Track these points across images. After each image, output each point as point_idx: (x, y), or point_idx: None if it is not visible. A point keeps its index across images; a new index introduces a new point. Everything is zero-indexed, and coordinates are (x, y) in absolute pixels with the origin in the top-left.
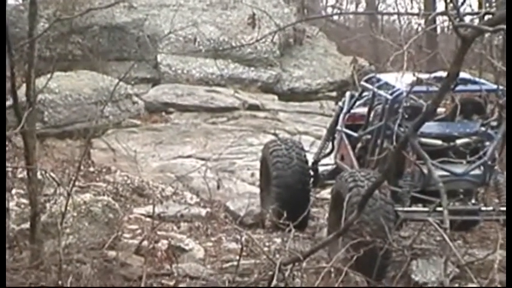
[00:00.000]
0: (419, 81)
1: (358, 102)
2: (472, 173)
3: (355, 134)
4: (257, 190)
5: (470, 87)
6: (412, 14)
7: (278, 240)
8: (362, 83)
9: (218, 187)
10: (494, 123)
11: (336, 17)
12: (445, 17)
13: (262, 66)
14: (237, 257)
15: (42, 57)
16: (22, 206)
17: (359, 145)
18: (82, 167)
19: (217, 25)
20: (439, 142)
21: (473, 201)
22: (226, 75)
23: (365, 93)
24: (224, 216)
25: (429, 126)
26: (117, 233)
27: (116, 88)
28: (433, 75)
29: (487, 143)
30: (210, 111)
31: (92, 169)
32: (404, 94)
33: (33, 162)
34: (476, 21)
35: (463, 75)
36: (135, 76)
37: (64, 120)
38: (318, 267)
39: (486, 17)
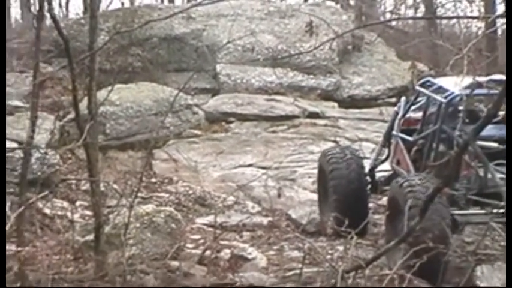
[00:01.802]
0: (475, 85)
1: (413, 107)
2: None
3: (410, 138)
4: None
5: None
6: (472, 18)
7: (340, 248)
8: (417, 87)
9: (279, 196)
10: None
11: (394, 23)
12: None
13: (321, 73)
14: (300, 265)
15: (102, 70)
16: (86, 217)
17: (414, 149)
18: (144, 178)
19: (275, 34)
20: (495, 145)
21: None
22: (285, 84)
23: (420, 98)
24: (286, 224)
25: (486, 129)
26: (179, 243)
27: (176, 99)
28: (489, 78)
29: None
30: (270, 120)
31: (153, 180)
32: (459, 97)
33: (96, 174)
34: None
35: None
36: (194, 86)
37: (125, 132)
38: (381, 274)
39: None
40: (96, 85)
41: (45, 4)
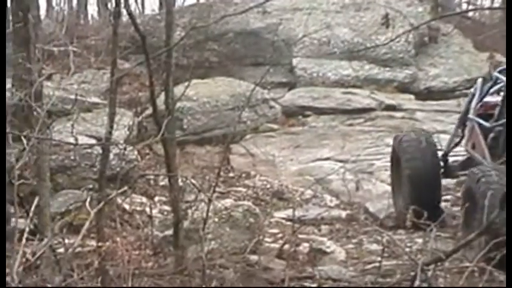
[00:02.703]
0: None
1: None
2: None
3: (487, 124)
4: None
5: None
6: None
7: (419, 241)
8: (495, 73)
9: (357, 189)
10: None
11: (471, 14)
12: None
13: (397, 66)
14: (379, 259)
15: (179, 65)
16: (165, 213)
17: (491, 135)
18: (222, 173)
19: (350, 27)
20: None
21: None
22: (361, 77)
23: (497, 84)
24: (364, 217)
25: None
26: (258, 237)
27: (253, 93)
28: None
29: None
30: (347, 113)
31: (231, 174)
32: None
33: (174, 170)
34: None
35: None
36: (271, 81)
37: (203, 127)
38: (461, 266)
39: None
40: (173, 81)
41: (122, 1)
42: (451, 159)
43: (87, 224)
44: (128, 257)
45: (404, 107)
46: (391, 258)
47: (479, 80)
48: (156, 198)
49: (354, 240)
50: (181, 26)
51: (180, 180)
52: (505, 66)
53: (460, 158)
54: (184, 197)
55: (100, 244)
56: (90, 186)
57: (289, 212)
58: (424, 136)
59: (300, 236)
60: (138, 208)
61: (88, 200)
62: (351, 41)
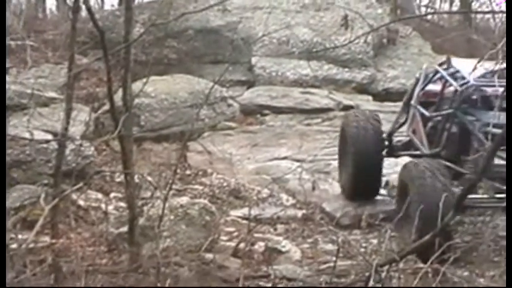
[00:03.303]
0: (488, 73)
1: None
2: None
3: (426, 113)
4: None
5: None
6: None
7: (375, 241)
8: (436, 67)
9: (314, 189)
10: None
11: (429, 16)
12: None
13: (356, 66)
14: (334, 259)
15: (138, 61)
16: (120, 209)
17: (430, 124)
18: (178, 170)
19: (310, 27)
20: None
21: None
22: (320, 77)
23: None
24: (320, 217)
25: (495, 116)
26: (214, 235)
27: (211, 91)
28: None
29: None
30: (305, 113)
31: (188, 172)
32: (473, 87)
33: (131, 166)
34: None
35: None
36: (230, 79)
37: (160, 124)
38: (415, 267)
39: None
40: (131, 77)
41: None
42: (396, 139)
43: (41, 219)
44: (82, 254)
45: (362, 108)
46: (346, 259)
47: (424, 67)
48: (112, 195)
49: (309, 240)
50: (140, 22)
51: (136, 177)
52: (444, 60)
53: (403, 139)
54: (140, 193)
55: (54, 240)
56: (46, 181)
57: (246, 210)
58: (370, 115)
59: (256, 234)
60: (94, 204)
61: (43, 195)
62: (311, 41)
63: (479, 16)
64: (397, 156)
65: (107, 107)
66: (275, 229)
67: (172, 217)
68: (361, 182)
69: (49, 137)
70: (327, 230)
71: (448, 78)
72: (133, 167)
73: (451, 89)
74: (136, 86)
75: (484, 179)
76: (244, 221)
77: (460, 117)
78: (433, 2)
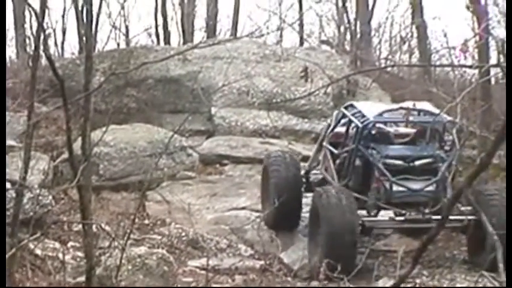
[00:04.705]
0: (388, 111)
1: (342, 122)
2: (427, 189)
3: (335, 151)
4: None
5: (425, 118)
6: (465, 66)
7: None
8: (342, 109)
9: (272, 240)
10: (448, 148)
11: (389, 68)
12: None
13: (316, 117)
14: None
15: (97, 110)
16: (78, 259)
17: (338, 161)
18: (137, 220)
19: (270, 77)
20: (400, 162)
21: (427, 211)
22: (280, 127)
23: (344, 119)
24: (278, 268)
25: (394, 149)
26: (171, 285)
27: (171, 140)
28: (399, 105)
29: (440, 164)
30: None
31: (146, 221)
32: (372, 123)
33: (89, 216)
34: None
35: (424, 106)
36: (189, 128)
37: (119, 173)
38: None
39: None
40: (90, 125)
41: (41, 44)
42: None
43: None
44: None
45: None
46: None
47: (335, 113)
48: (70, 244)
49: None
50: (101, 71)
51: (94, 226)
52: (350, 103)
53: (319, 176)
54: (98, 243)
55: None
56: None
57: (204, 261)
58: (289, 154)
59: (214, 285)
60: (51, 254)
61: None
62: (271, 91)
63: (438, 68)
64: (313, 192)
65: (65, 155)
66: (233, 280)
67: (130, 267)
68: (283, 215)
69: (7, 185)
70: (285, 281)
71: (351, 117)
72: (92, 216)
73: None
74: (95, 134)
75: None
76: (202, 272)
77: (362, 151)
78: (393, 54)
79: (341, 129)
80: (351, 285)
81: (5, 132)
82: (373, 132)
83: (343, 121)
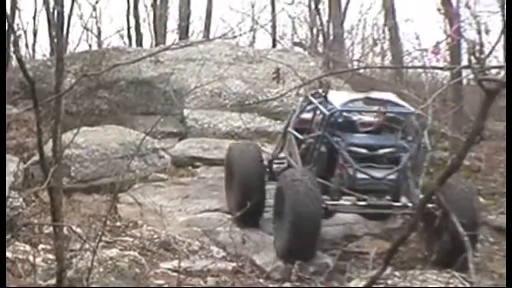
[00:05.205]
0: (355, 100)
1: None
2: (388, 177)
3: (300, 137)
4: None
5: (393, 109)
6: (437, 68)
7: None
8: (309, 96)
9: (244, 242)
10: (410, 138)
11: (361, 70)
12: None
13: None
14: None
15: (69, 112)
16: (49, 261)
17: (303, 146)
18: (108, 222)
19: (243, 79)
20: (364, 151)
21: (387, 198)
22: (252, 129)
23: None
24: (251, 270)
25: (359, 138)
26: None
27: (143, 142)
28: (365, 95)
29: (403, 154)
30: None
31: (118, 224)
32: (338, 112)
33: (60, 218)
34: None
35: (389, 96)
36: (161, 130)
37: (91, 175)
38: None
39: None
40: (61, 127)
41: (11, 45)
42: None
43: None
44: None
45: None
46: None
47: (301, 99)
48: (40, 247)
49: None
50: (72, 73)
51: (65, 228)
52: (317, 91)
53: (282, 166)
54: (69, 246)
55: None
56: None
57: (176, 263)
58: (251, 145)
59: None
60: (21, 256)
61: None
62: (243, 93)
63: (410, 70)
64: (276, 180)
65: (36, 157)
66: (205, 282)
67: (101, 269)
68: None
69: None
70: (258, 283)
71: (318, 105)
72: (63, 219)
73: (321, 116)
74: (67, 136)
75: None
76: (174, 274)
77: (328, 138)
78: (366, 56)
79: (307, 115)
80: (323, 287)
81: (5, 133)
82: (339, 120)
83: (309, 107)
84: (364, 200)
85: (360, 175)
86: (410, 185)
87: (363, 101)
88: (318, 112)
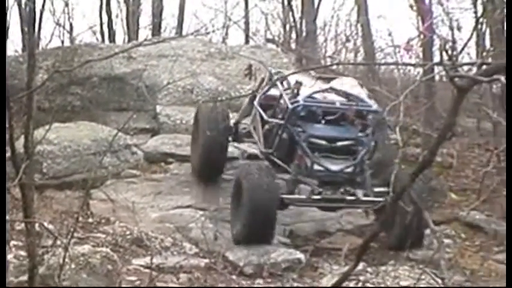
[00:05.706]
0: (318, 92)
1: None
2: (345, 170)
3: (265, 116)
4: None
5: (355, 102)
6: (409, 65)
7: None
8: (277, 82)
9: (216, 238)
10: (369, 132)
11: (334, 66)
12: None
13: None
14: None
15: (41, 108)
16: (20, 258)
17: (266, 126)
18: (81, 218)
19: (215, 75)
20: (323, 142)
21: (341, 190)
22: None
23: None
24: (223, 266)
25: (320, 129)
26: (115, 284)
27: (115, 138)
28: (329, 85)
29: (360, 148)
30: None
31: (90, 220)
32: (301, 106)
33: (32, 214)
34: (474, 71)
35: (350, 82)
36: (134, 126)
37: (63, 171)
38: None
39: (483, 67)
40: (33, 124)
41: None
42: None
43: None
44: None
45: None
46: None
47: (267, 75)
48: (12, 243)
49: None
50: (44, 69)
51: (37, 225)
52: (284, 77)
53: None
54: (41, 242)
55: None
56: None
57: (148, 259)
58: (220, 106)
59: (158, 284)
60: None
61: None
62: (216, 89)
63: (383, 67)
64: (242, 142)
65: (8, 153)
66: (178, 278)
67: (73, 266)
68: (209, 162)
69: None
70: (230, 279)
71: (283, 93)
72: (35, 215)
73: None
74: (38, 133)
75: (308, 180)
76: (147, 270)
77: (290, 128)
78: (338, 52)
79: (274, 91)
80: (295, 284)
81: (5, 133)
82: (302, 113)
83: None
84: (319, 193)
85: (317, 166)
86: (367, 178)
87: (328, 92)
88: (282, 101)
